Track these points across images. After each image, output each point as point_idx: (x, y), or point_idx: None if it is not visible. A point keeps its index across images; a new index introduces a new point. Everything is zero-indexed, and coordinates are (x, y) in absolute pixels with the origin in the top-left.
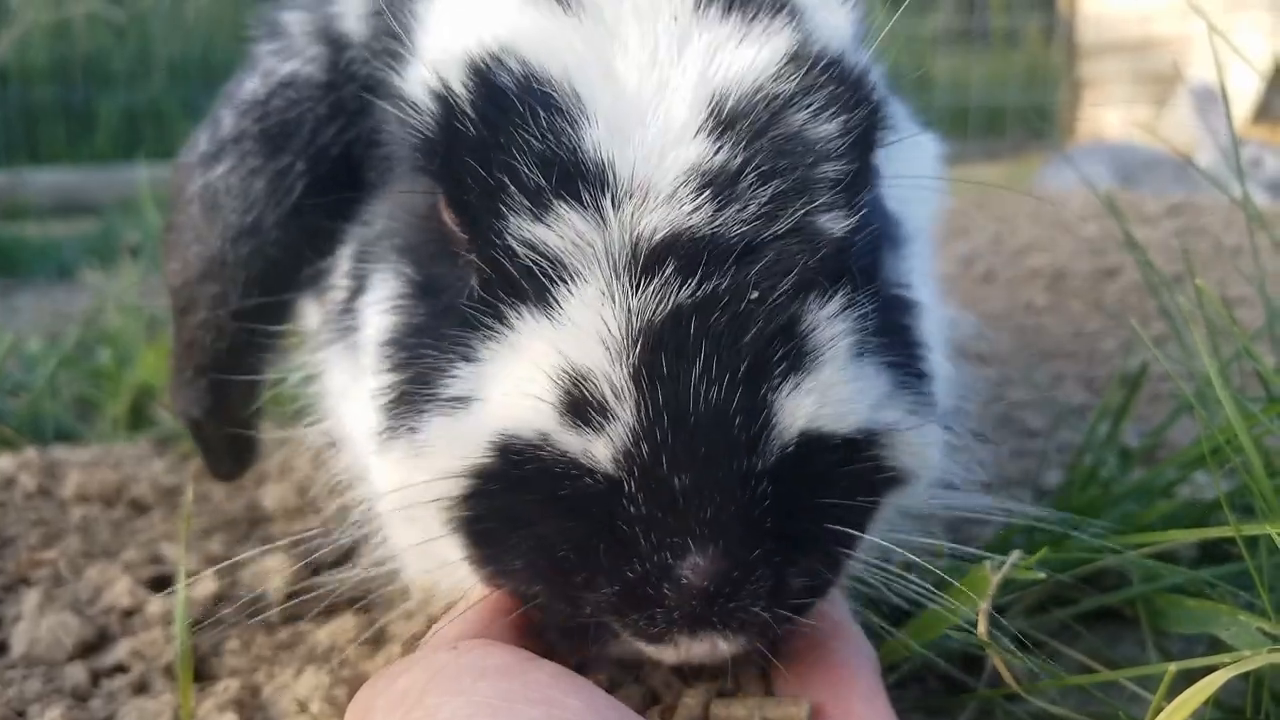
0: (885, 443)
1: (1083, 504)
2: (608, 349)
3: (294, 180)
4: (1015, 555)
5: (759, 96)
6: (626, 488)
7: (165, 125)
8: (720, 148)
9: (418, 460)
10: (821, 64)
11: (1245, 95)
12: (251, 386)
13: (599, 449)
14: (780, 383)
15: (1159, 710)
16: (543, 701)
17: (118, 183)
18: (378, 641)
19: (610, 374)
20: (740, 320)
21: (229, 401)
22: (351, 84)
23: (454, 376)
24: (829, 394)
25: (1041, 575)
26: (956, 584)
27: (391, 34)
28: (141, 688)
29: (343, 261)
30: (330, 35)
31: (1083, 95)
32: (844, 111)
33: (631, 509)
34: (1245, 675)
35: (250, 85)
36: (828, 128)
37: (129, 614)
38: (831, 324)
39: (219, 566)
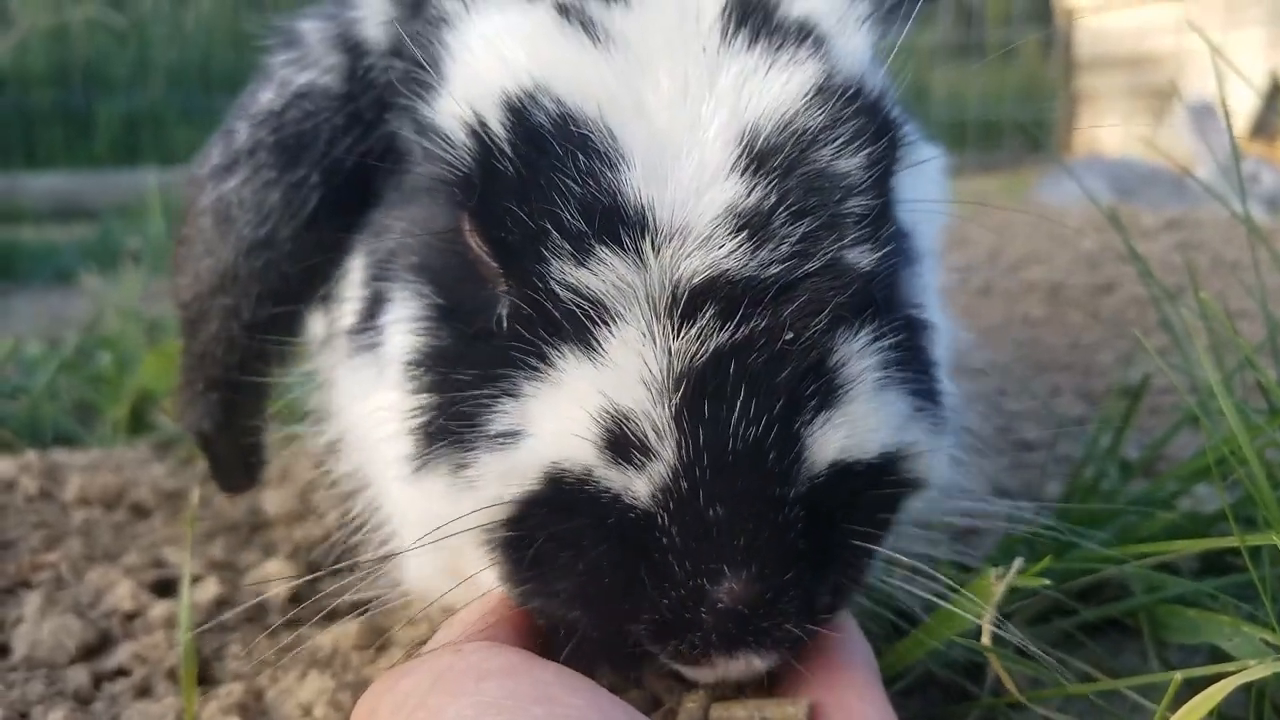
0: (905, 454)
1: (1084, 516)
2: (649, 390)
3: (309, 193)
4: (1018, 563)
5: (789, 131)
6: (661, 521)
7: (164, 130)
8: (754, 187)
9: (467, 493)
10: (846, 95)
11: (1242, 111)
12: (261, 399)
13: (639, 485)
14: (812, 418)
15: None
16: (546, 700)
17: (115, 187)
18: (381, 646)
19: (652, 414)
20: (776, 361)
21: (240, 415)
22: (369, 93)
23: (500, 412)
24: (857, 425)
25: (1046, 582)
26: (961, 591)
27: (416, 60)
28: (144, 691)
29: (354, 271)
30: (349, 42)
31: (1080, 109)
32: (869, 144)
33: (665, 540)
34: (1247, 686)
35: (265, 96)
36: (854, 161)
37: (131, 617)
38: (860, 358)
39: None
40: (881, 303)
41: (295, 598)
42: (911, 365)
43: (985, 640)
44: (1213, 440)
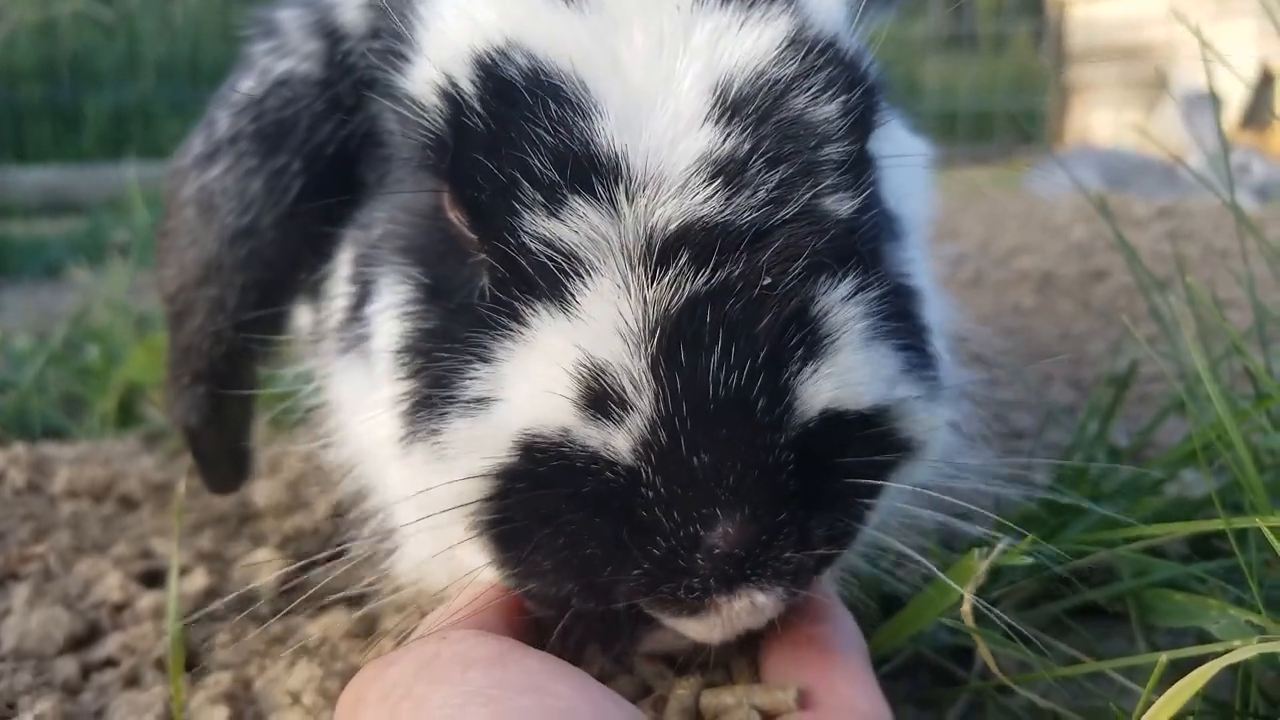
0: (899, 414)
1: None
2: (625, 341)
3: (291, 180)
4: (1004, 543)
5: (761, 81)
6: (645, 476)
7: (153, 124)
8: (728, 135)
9: (439, 464)
10: (819, 47)
11: (1232, 101)
12: (248, 394)
13: (619, 440)
14: (800, 368)
15: (1149, 702)
16: (533, 689)
17: (105, 181)
18: (370, 634)
19: (629, 365)
20: (755, 307)
21: (227, 410)
22: (348, 78)
23: (472, 378)
24: (846, 377)
25: (1029, 560)
26: (941, 577)
27: (393, 33)
28: (132, 681)
29: (342, 267)
30: (328, 28)
31: (1071, 100)
32: (843, 92)
33: (651, 494)
34: (1234, 669)
35: (246, 85)
36: (828, 109)
37: (119, 608)
38: (844, 307)
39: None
40: (866, 258)
41: (284, 588)
42: (901, 324)
43: (966, 615)
44: (1199, 426)
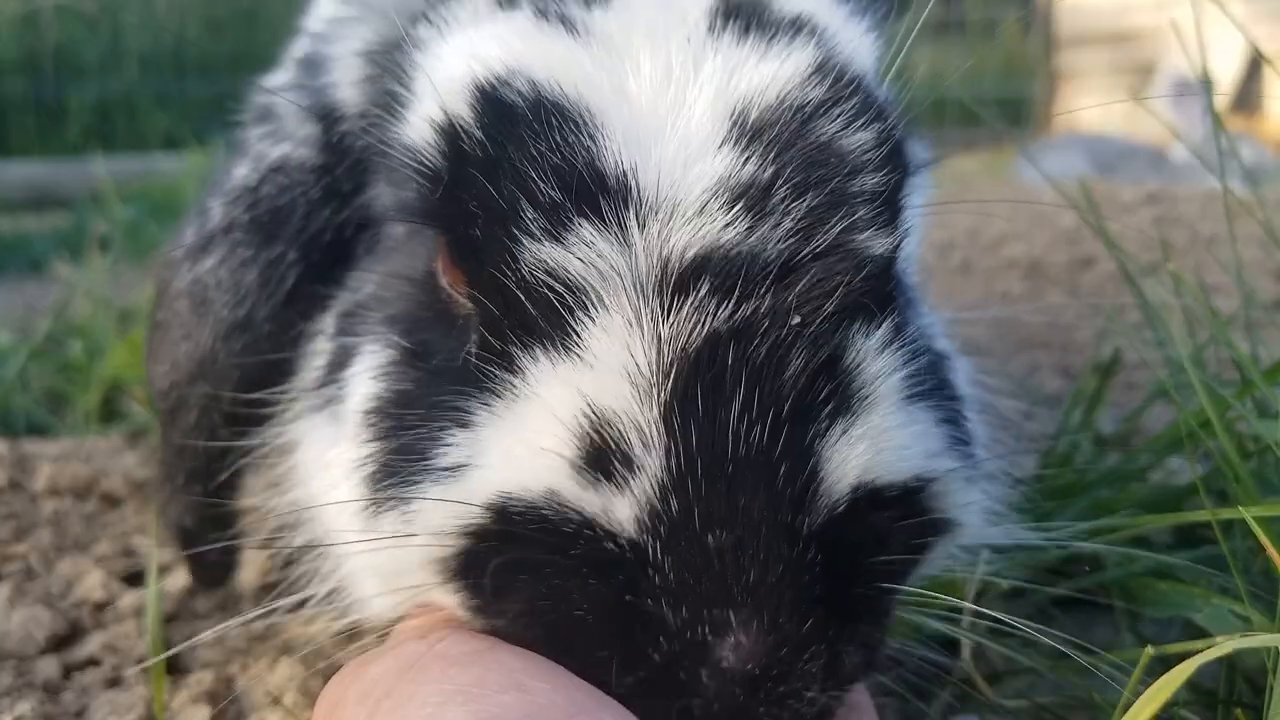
0: (938, 491)
1: (1056, 490)
2: (635, 386)
3: (286, 270)
4: (985, 557)
5: (785, 106)
6: (653, 554)
7: (137, 117)
8: (747, 159)
9: (409, 535)
10: (848, 76)
11: (1221, 86)
12: (241, 489)
13: (621, 508)
14: (828, 427)
15: (1134, 694)
16: (513, 687)
17: (89, 176)
18: (352, 633)
19: (638, 416)
20: (782, 350)
21: (223, 506)
22: (345, 160)
23: (449, 445)
24: (881, 441)
25: (1004, 585)
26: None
27: (390, 91)
28: (114, 681)
29: (323, 329)
30: (322, 109)
31: (1060, 86)
32: (877, 120)
33: (658, 578)
34: (1219, 658)
35: (240, 172)
36: (861, 136)
37: (101, 607)
38: (879, 358)
39: None
40: (901, 306)
41: (267, 586)
42: (937, 392)
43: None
44: (1184, 413)
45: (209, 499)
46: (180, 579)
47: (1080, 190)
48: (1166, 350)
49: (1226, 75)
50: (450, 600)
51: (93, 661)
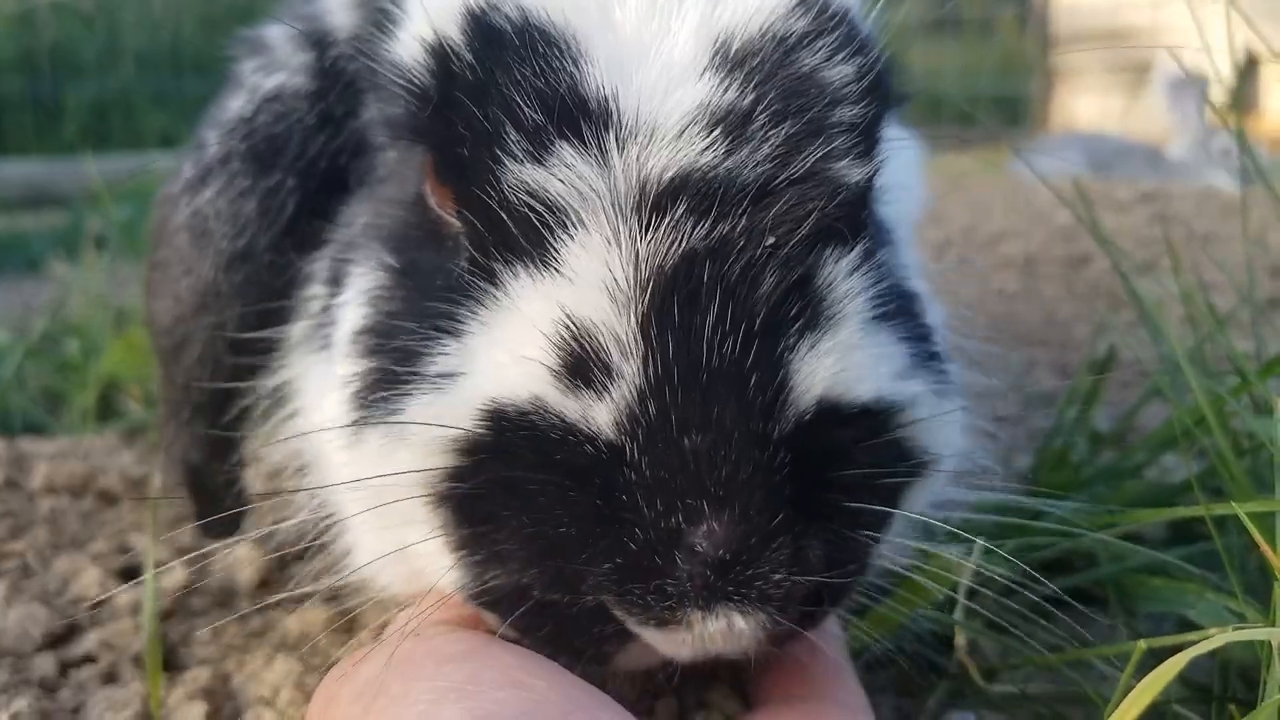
0: (906, 419)
1: (1052, 486)
2: (614, 299)
3: (285, 198)
4: (980, 544)
5: (767, 36)
6: (630, 454)
7: (134, 115)
8: (728, 86)
9: (395, 449)
10: (831, 9)
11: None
12: (246, 424)
13: (600, 413)
14: (797, 341)
15: (1128, 688)
16: (508, 684)
17: (86, 174)
18: (349, 629)
19: (616, 327)
20: (756, 269)
21: (230, 441)
22: (338, 84)
23: (440, 354)
24: (848, 357)
25: (1000, 573)
26: (915, 578)
27: (381, 9)
28: (110, 678)
29: (319, 267)
30: (316, 36)
31: (1056, 85)
32: (858, 55)
33: (634, 475)
34: (1213, 653)
35: (235, 104)
36: (842, 70)
37: (98, 604)
38: (849, 280)
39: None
40: (875, 234)
41: (264, 583)
42: (907, 320)
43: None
44: (1178, 411)
45: (216, 432)
46: (177, 576)
47: (1076, 188)
48: (1162, 347)
49: (1223, 74)
50: (432, 549)
51: (89, 658)
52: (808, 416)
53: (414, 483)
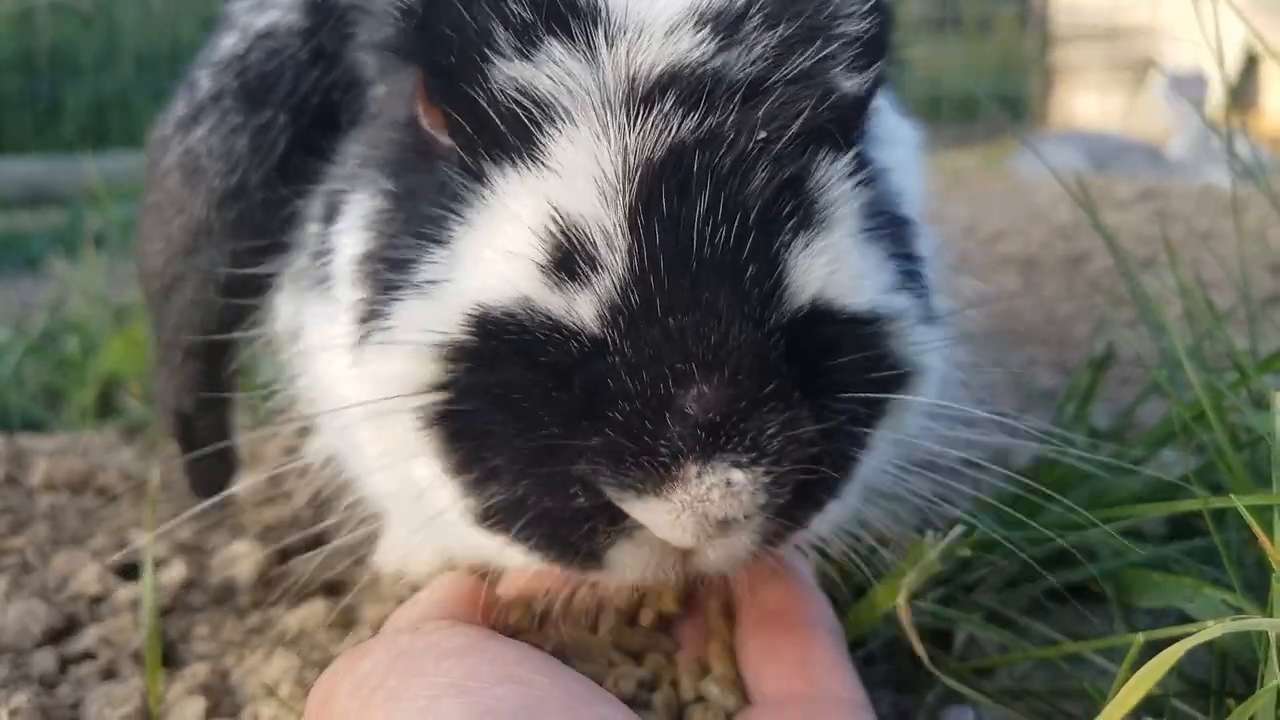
0: (894, 331)
1: (1050, 482)
2: (602, 192)
3: (277, 134)
4: (957, 530)
5: None
6: (612, 342)
7: (133, 115)
8: None
9: (388, 354)
10: None
11: (1218, 83)
12: (236, 373)
13: (583, 305)
14: (791, 239)
15: (1125, 681)
16: (508, 679)
17: (84, 173)
18: (348, 625)
19: (603, 218)
20: (748, 162)
21: (220, 389)
22: (330, 19)
23: (428, 262)
24: (841, 260)
25: (968, 553)
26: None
27: None
28: (110, 674)
29: (314, 206)
30: None
31: (1056, 83)
32: None
33: (618, 359)
34: (1211, 648)
35: (227, 42)
36: None
37: (97, 601)
38: (842, 184)
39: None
40: (869, 157)
41: (263, 579)
42: (899, 241)
43: (901, 608)
44: (1177, 405)
45: (207, 375)
46: (177, 572)
47: (1076, 185)
48: (1162, 343)
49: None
50: (429, 466)
51: (89, 654)
52: (803, 313)
53: (405, 401)
